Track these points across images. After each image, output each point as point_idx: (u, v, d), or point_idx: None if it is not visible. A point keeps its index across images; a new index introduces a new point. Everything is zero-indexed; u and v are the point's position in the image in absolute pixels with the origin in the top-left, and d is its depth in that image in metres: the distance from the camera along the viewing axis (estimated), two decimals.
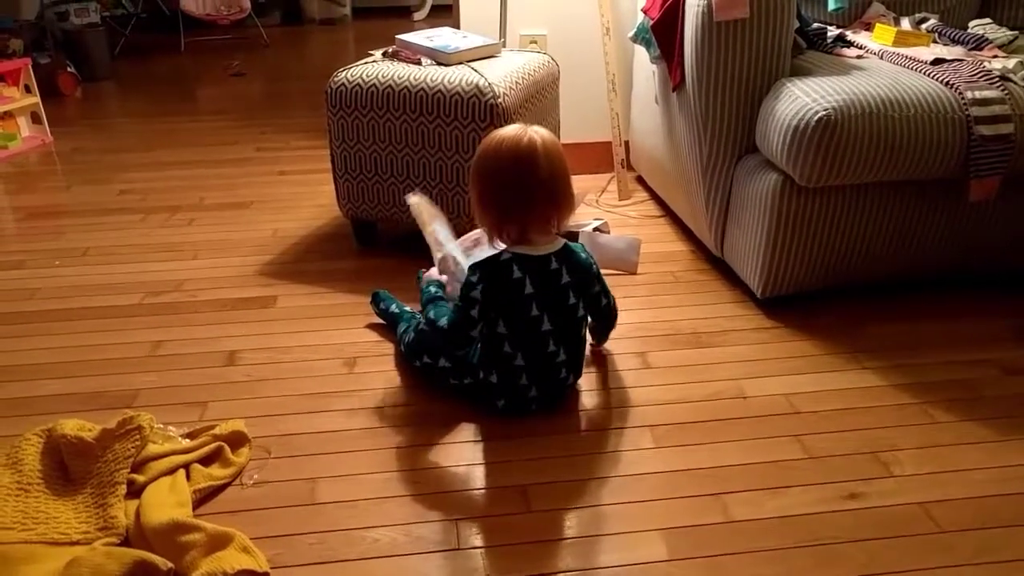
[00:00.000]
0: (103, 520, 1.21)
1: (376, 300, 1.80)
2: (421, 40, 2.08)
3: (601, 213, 2.38)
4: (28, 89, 3.23)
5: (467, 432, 1.45)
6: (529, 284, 1.40)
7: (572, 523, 1.24)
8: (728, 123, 1.83)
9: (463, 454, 1.39)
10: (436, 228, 1.68)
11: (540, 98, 2.14)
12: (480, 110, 1.87)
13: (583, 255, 1.47)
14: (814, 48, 2.00)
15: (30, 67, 3.22)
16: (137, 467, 1.31)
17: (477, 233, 1.76)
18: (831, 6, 2.16)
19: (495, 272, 1.41)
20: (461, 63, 2.00)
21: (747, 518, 1.24)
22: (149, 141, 3.23)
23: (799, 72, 1.79)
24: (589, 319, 1.56)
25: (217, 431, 1.40)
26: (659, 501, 1.27)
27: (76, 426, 1.37)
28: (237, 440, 1.39)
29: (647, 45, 2.14)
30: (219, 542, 1.15)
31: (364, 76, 1.97)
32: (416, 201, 1.71)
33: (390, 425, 1.46)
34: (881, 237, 1.78)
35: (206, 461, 1.35)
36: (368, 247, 2.20)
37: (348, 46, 5.53)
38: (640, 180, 2.63)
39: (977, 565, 1.15)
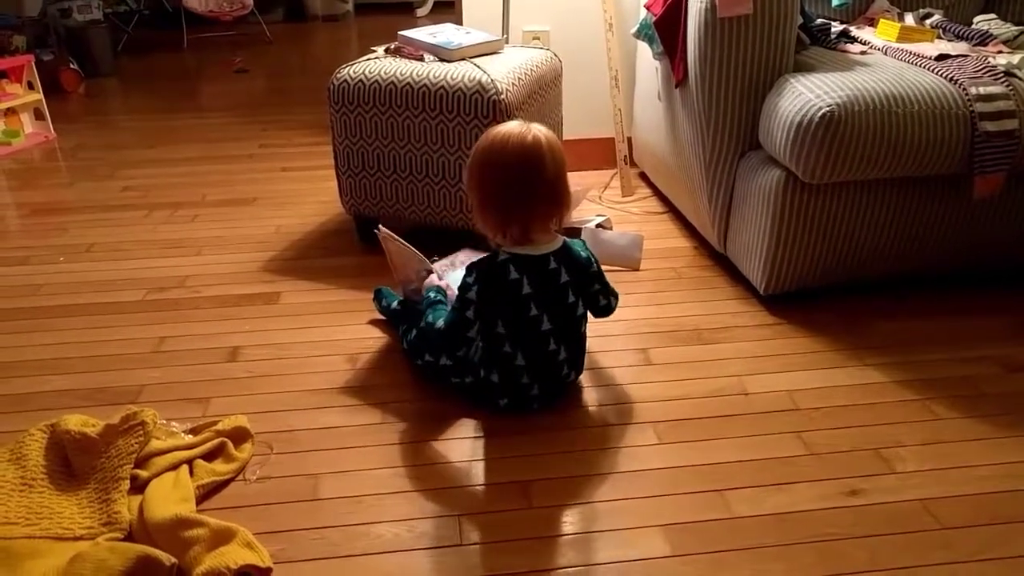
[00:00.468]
0: (107, 515, 1.21)
1: (378, 297, 1.80)
2: (424, 36, 2.08)
3: (604, 209, 2.38)
4: (31, 86, 3.23)
5: (469, 428, 1.45)
6: (527, 284, 1.40)
7: (574, 519, 1.24)
8: (731, 119, 1.82)
9: (465, 450, 1.40)
10: (412, 250, 1.67)
11: (543, 94, 2.13)
12: (483, 106, 1.86)
13: (583, 253, 1.46)
14: (818, 44, 2.00)
15: (33, 64, 3.23)
16: (140, 463, 1.31)
17: (450, 259, 1.80)
18: (835, 2, 2.15)
19: (491, 273, 1.40)
20: (464, 59, 2.00)
21: (749, 514, 1.24)
22: (152, 138, 3.23)
23: (802, 68, 1.78)
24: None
25: (220, 427, 1.40)
26: (661, 497, 1.28)
27: (80, 422, 1.37)
28: (240, 436, 1.40)
29: (650, 41, 2.13)
30: (222, 537, 1.15)
31: (367, 72, 1.97)
32: (386, 234, 1.68)
33: (392, 421, 1.47)
34: (884, 234, 1.78)
35: (209, 457, 1.35)
36: (371, 244, 2.19)
37: (351, 42, 5.53)
38: (643, 176, 2.63)
39: (978, 562, 1.15)
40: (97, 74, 4.26)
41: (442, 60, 1.99)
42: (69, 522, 1.21)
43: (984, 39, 1.96)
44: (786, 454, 1.37)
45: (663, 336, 1.73)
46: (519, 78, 1.97)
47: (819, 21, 2.07)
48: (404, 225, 2.06)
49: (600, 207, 2.41)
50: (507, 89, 1.88)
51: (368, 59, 2.04)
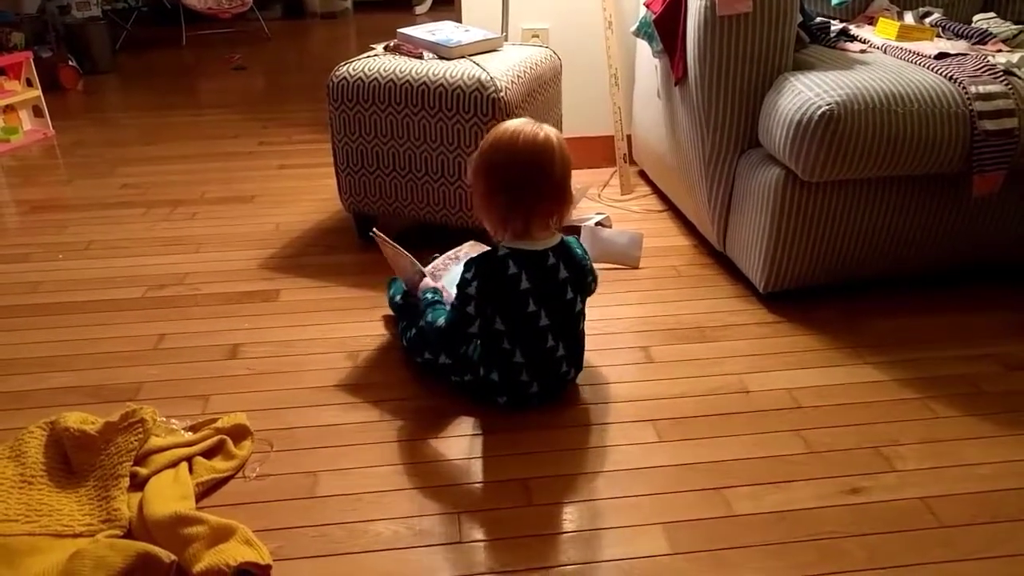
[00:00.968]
0: (106, 512, 1.21)
1: (390, 286, 1.79)
2: (423, 34, 2.08)
3: (603, 207, 2.38)
4: (30, 83, 3.22)
5: (468, 425, 1.45)
6: (525, 279, 1.40)
7: (574, 517, 1.24)
8: (731, 117, 1.82)
9: (464, 448, 1.40)
10: (404, 254, 1.66)
11: (542, 92, 2.13)
12: (482, 104, 1.86)
13: (579, 251, 1.47)
14: (817, 42, 2.00)
15: (32, 61, 3.22)
16: (140, 460, 1.31)
17: (454, 251, 1.79)
18: (834, 0, 2.15)
19: (491, 268, 1.40)
20: (463, 57, 2.00)
21: (749, 512, 1.24)
22: (151, 135, 3.23)
23: (802, 66, 1.78)
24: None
25: (219, 424, 1.40)
26: (661, 495, 1.28)
27: (79, 419, 1.37)
28: (239, 433, 1.40)
29: (649, 39, 2.13)
30: (222, 535, 1.15)
31: (366, 70, 1.97)
32: (381, 237, 1.67)
33: (391, 419, 1.47)
34: (884, 232, 1.78)
35: (209, 454, 1.35)
36: (370, 241, 2.19)
37: (350, 40, 5.53)
38: (642, 174, 2.63)
39: (978, 560, 1.15)
40: (96, 71, 4.26)
41: (441, 58, 1.99)
42: (69, 519, 1.21)
43: (983, 38, 1.96)
44: (786, 452, 1.37)
45: (663, 334, 1.73)
46: (518, 76, 1.96)
47: (818, 19, 2.07)
48: (403, 223, 2.06)
49: (599, 205, 2.41)
50: (506, 87, 1.88)
51: (367, 56, 2.04)
